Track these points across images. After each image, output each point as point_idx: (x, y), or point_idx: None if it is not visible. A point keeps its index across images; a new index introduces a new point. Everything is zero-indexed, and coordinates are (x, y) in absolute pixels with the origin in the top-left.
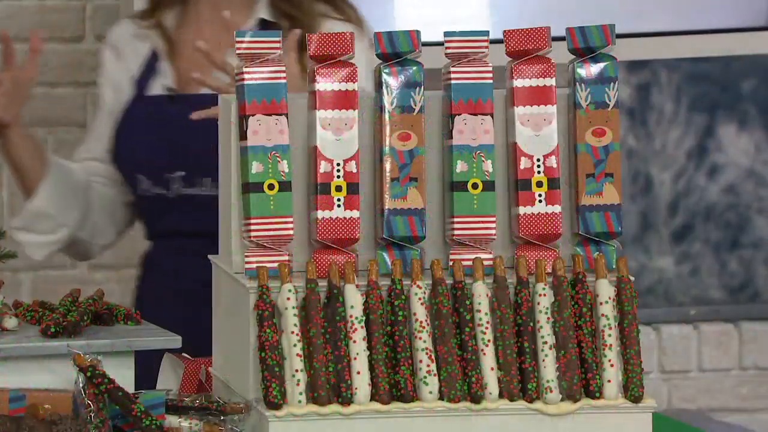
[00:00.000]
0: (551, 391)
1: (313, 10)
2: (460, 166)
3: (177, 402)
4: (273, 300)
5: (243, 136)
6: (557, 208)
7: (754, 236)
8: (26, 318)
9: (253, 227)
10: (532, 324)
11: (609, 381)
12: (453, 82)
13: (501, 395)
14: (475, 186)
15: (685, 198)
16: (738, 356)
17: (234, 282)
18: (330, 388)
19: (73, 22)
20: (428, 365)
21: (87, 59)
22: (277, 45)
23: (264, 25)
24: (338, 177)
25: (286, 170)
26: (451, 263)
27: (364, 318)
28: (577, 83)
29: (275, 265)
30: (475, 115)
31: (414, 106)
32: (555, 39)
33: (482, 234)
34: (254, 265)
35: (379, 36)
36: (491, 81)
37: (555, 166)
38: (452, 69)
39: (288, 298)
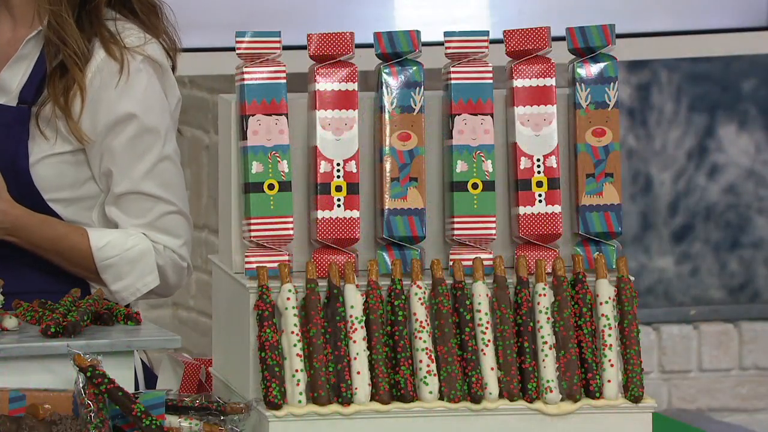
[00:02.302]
0: (551, 391)
1: (80, 46)
2: (460, 166)
3: (177, 402)
4: (273, 300)
5: (243, 136)
6: (557, 208)
7: (754, 236)
8: (26, 318)
9: (253, 227)
10: (532, 324)
11: (609, 381)
12: (453, 82)
13: (501, 395)
14: (475, 186)
15: (685, 198)
16: (738, 356)
17: (234, 282)
18: (330, 388)
19: None
20: (428, 365)
21: None
22: (278, 45)
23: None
24: (338, 177)
25: (286, 170)
26: (451, 263)
27: (364, 318)
28: (577, 83)
29: (275, 265)
30: (475, 115)
31: (414, 106)
32: (555, 39)
33: (482, 234)
34: (254, 265)
35: (379, 36)
36: (491, 81)
37: (555, 166)
38: (452, 69)
39: (288, 298)
